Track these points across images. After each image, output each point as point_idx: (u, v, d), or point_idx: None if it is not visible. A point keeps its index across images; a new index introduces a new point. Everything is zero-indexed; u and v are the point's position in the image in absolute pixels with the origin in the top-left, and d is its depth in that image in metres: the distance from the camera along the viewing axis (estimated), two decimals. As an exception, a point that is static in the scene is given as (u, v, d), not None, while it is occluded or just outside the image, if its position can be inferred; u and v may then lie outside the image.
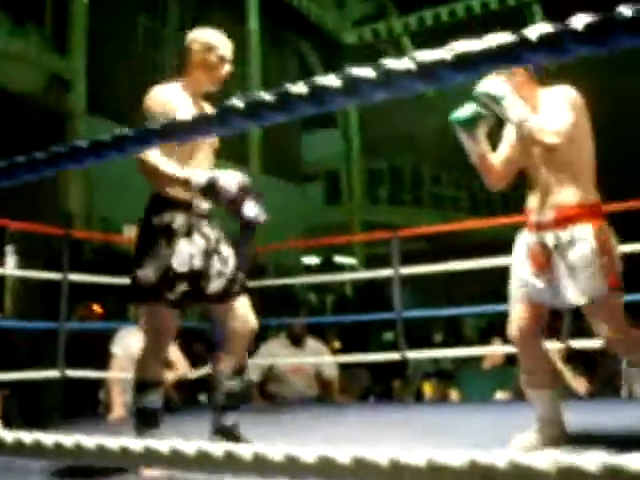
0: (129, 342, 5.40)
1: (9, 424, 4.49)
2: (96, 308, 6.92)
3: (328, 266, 15.70)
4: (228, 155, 13.39)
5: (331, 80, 0.83)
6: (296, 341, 6.25)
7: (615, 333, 2.64)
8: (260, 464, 0.69)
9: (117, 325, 5.70)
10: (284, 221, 14.61)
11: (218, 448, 0.71)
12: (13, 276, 8.92)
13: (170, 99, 2.89)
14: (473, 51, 0.74)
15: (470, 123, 2.75)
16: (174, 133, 0.93)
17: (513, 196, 7.78)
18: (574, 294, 2.63)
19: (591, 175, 2.75)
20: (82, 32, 10.61)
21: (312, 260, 16.55)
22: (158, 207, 2.86)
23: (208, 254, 2.85)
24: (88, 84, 10.40)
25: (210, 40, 2.98)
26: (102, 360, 5.30)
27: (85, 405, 5.63)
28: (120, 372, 5.12)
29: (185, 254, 2.76)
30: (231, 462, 0.69)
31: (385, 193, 18.03)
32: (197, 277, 2.80)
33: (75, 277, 4.92)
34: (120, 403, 5.07)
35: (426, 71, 0.77)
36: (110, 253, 8.26)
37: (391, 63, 0.81)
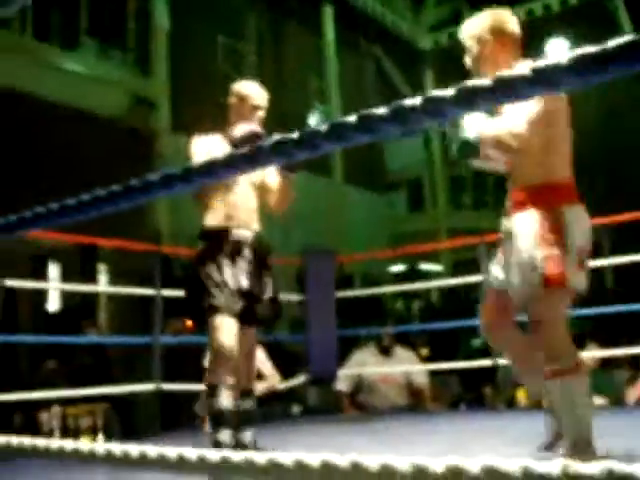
0: None
1: (110, 436, 4.63)
2: (189, 322, 7.07)
3: (414, 274, 15.61)
4: (311, 167, 13.53)
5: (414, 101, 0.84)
6: (385, 350, 6.25)
7: (544, 335, 2.38)
8: (356, 472, 0.69)
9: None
10: (369, 231, 14.62)
11: (314, 458, 0.72)
12: (106, 294, 9.20)
13: (209, 146, 3.12)
14: (553, 66, 0.74)
15: (472, 152, 2.54)
16: (255, 159, 0.95)
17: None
18: (511, 288, 2.46)
19: (553, 151, 2.47)
20: (164, 53, 10.88)
21: (398, 268, 16.48)
22: (204, 237, 3.19)
23: (253, 277, 3.10)
24: (172, 103, 10.67)
25: (243, 91, 3.30)
26: (197, 373, 5.40)
27: (181, 418, 5.75)
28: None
29: (230, 274, 3.03)
30: (327, 472, 0.70)
31: (469, 199, 17.82)
32: (248, 296, 3.06)
33: (167, 292, 5.04)
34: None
35: (504, 87, 0.77)
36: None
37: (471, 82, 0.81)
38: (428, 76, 16.91)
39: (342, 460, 0.72)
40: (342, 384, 6.11)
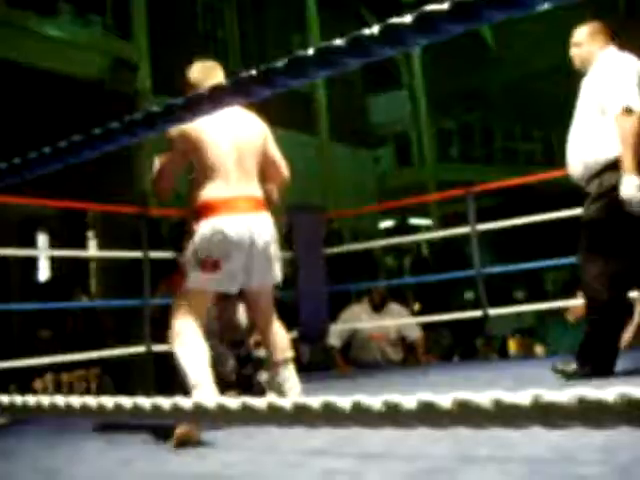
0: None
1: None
2: (180, 282, 7.06)
3: (404, 228, 15.63)
4: (297, 126, 13.44)
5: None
6: (377, 306, 6.26)
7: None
8: (359, 412, 0.69)
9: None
10: (357, 187, 14.58)
11: (315, 401, 0.71)
12: (96, 259, 9.17)
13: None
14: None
15: None
16: (220, 97, 0.93)
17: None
18: None
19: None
20: (143, 15, 10.73)
21: (388, 224, 16.49)
22: None
23: None
24: (152, 65, 10.55)
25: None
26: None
27: (175, 379, 5.76)
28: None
29: None
30: (329, 413, 0.69)
31: (456, 152, 17.77)
32: None
33: (155, 254, 5.03)
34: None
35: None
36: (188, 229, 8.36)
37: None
38: (411, 29, 16.72)
39: (344, 401, 0.71)
40: (334, 340, 6.14)
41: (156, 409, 0.91)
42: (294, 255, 5.84)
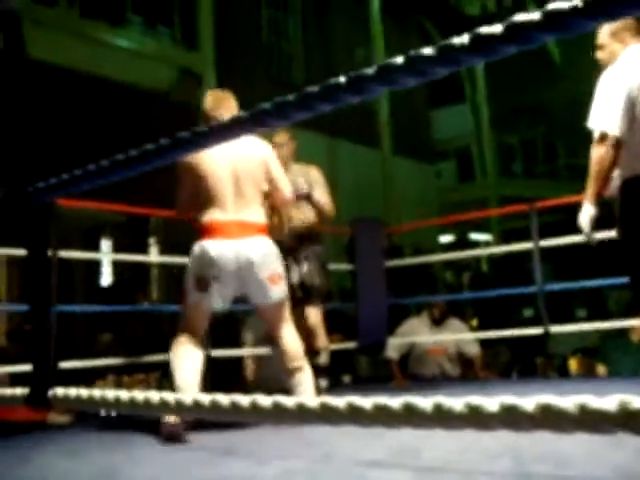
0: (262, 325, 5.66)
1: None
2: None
3: (464, 244, 15.50)
4: (360, 139, 13.47)
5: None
6: (437, 321, 6.23)
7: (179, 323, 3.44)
8: (410, 413, 0.69)
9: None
10: (419, 202, 14.53)
11: (366, 402, 0.72)
12: (157, 266, 9.33)
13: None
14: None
15: None
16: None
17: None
18: None
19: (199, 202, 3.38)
20: (209, 27, 10.91)
21: (447, 239, 16.37)
22: None
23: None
24: (217, 76, 10.71)
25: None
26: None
27: (231, 383, 5.83)
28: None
29: None
30: (379, 414, 0.70)
31: (519, 167, 17.57)
32: None
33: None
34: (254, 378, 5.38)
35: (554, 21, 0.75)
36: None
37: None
38: (476, 43, 16.62)
39: (394, 402, 0.72)
40: (392, 352, 6.12)
41: (215, 406, 0.93)
42: (355, 267, 5.84)
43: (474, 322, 8.73)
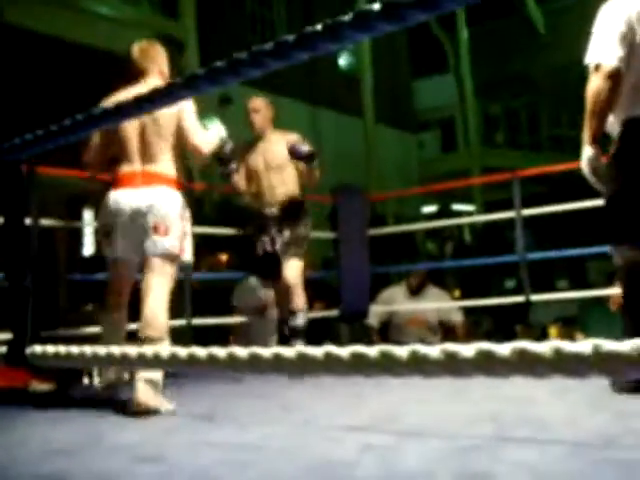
0: (251, 293, 5.65)
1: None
2: (223, 258, 7.18)
3: (446, 214, 15.53)
4: (343, 108, 13.42)
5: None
6: (414, 290, 6.24)
7: None
8: (387, 360, 0.70)
9: (239, 275, 5.89)
10: (401, 171, 14.52)
11: (344, 350, 0.72)
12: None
13: None
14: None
15: None
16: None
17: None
18: None
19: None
20: (191, -7, 10.82)
21: (430, 209, 16.40)
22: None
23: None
24: (199, 44, 10.62)
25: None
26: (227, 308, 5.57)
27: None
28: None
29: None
30: (357, 362, 0.70)
31: (502, 137, 17.55)
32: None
33: (199, 230, 5.08)
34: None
35: None
36: (231, 208, 8.46)
37: None
38: None
39: (371, 350, 0.72)
40: (372, 319, 6.15)
41: (192, 359, 0.93)
42: (337, 235, 5.84)
43: (456, 293, 8.78)
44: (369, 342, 6.21)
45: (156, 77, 3.37)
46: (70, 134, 1.31)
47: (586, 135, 2.89)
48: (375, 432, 2.34)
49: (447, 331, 6.33)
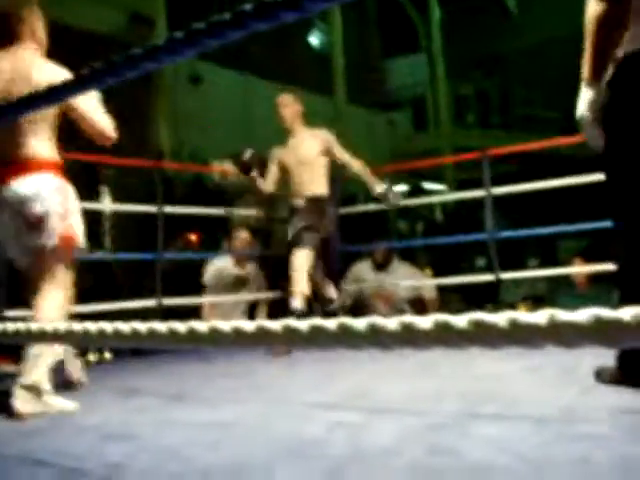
0: (221, 272, 5.66)
1: (117, 352, 4.71)
2: (194, 238, 7.16)
3: (418, 193, 15.58)
4: (314, 87, 13.36)
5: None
6: (380, 265, 6.26)
7: None
8: (344, 333, 0.69)
9: (210, 255, 5.87)
10: (372, 150, 14.51)
11: (302, 324, 0.72)
12: (110, 214, 9.21)
13: None
14: None
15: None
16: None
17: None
18: None
19: None
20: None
21: (402, 188, 16.42)
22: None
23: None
24: (169, 20, 10.51)
25: None
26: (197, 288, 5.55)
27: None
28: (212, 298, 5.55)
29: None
30: (315, 333, 0.70)
31: (473, 118, 17.61)
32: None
33: (169, 209, 5.05)
34: None
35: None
36: (201, 188, 8.43)
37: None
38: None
39: (329, 323, 0.72)
40: (346, 299, 6.16)
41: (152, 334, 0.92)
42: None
43: (427, 271, 8.83)
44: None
45: (29, 42, 2.91)
46: (28, 107, 1.27)
47: (585, 72, 2.27)
48: (345, 409, 2.35)
49: (418, 307, 6.36)
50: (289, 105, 4.81)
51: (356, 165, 4.86)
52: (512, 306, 7.69)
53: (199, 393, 2.98)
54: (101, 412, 2.58)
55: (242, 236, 5.91)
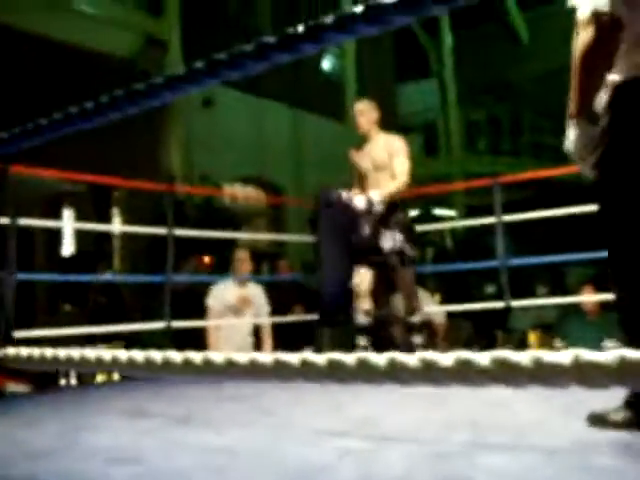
0: (223, 294, 5.66)
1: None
2: (207, 260, 7.18)
3: (428, 218, 15.56)
4: (325, 112, 13.43)
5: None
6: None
7: None
8: (363, 368, 0.69)
9: (216, 278, 5.87)
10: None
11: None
12: (120, 236, 9.25)
13: None
14: None
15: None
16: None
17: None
18: None
19: None
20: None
21: (411, 213, 16.41)
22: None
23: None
24: (183, 44, 10.59)
25: None
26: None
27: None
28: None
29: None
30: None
31: (484, 144, 17.64)
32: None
33: (180, 232, 5.06)
34: (216, 349, 5.34)
35: None
36: (211, 210, 8.44)
37: None
38: None
39: (348, 358, 0.71)
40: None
41: (187, 363, 0.92)
42: (317, 239, 5.83)
43: (437, 298, 8.80)
44: (349, 347, 6.19)
45: None
46: (47, 133, 1.29)
47: (571, 107, 2.21)
48: (353, 437, 2.33)
49: (427, 332, 6.33)
50: (365, 112, 4.98)
51: (392, 183, 4.84)
52: (523, 334, 7.66)
53: (207, 416, 2.96)
54: (108, 434, 2.56)
55: (241, 256, 5.90)
